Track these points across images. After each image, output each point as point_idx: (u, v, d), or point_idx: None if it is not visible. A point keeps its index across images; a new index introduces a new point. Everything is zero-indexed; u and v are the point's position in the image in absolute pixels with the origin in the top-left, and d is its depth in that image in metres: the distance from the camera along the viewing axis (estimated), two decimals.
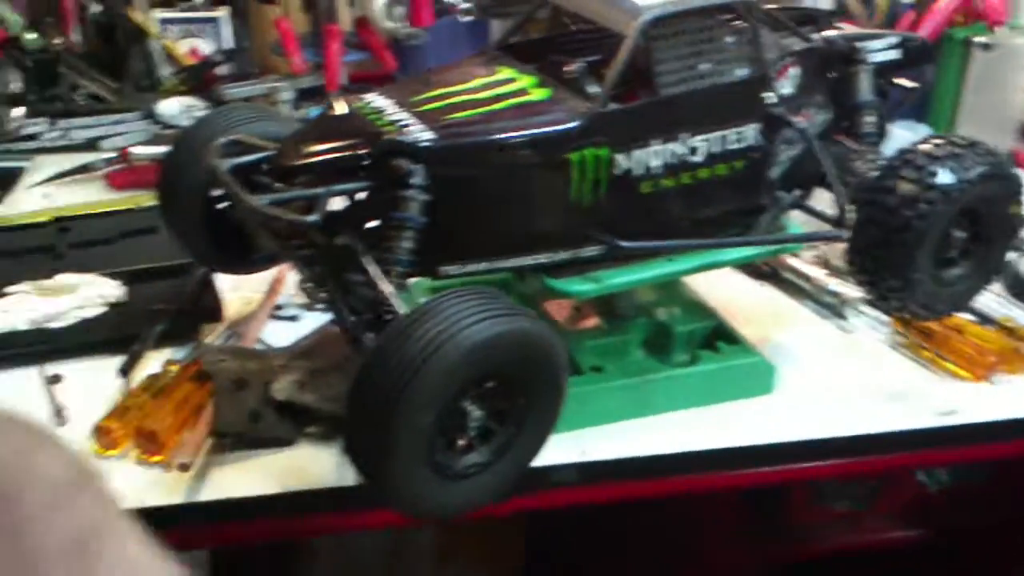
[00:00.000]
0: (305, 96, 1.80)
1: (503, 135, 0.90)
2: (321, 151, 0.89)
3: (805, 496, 1.84)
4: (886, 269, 1.01)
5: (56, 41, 1.79)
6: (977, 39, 1.66)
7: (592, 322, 1.15)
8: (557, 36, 1.09)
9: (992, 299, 1.30)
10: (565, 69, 0.98)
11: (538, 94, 0.96)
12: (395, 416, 0.74)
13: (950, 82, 1.72)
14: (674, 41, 0.96)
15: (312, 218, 0.84)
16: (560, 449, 1.01)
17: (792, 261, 1.35)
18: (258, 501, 0.95)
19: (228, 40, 1.82)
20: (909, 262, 0.99)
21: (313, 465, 0.98)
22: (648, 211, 0.98)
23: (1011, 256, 1.36)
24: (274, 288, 1.26)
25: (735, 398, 1.10)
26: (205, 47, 1.81)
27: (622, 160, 0.94)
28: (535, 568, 1.90)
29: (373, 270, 0.86)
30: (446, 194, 0.88)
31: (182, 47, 1.81)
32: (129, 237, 1.38)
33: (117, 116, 1.71)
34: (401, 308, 0.82)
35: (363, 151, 0.88)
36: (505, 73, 1.00)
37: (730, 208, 1.03)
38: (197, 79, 1.73)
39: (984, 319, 1.25)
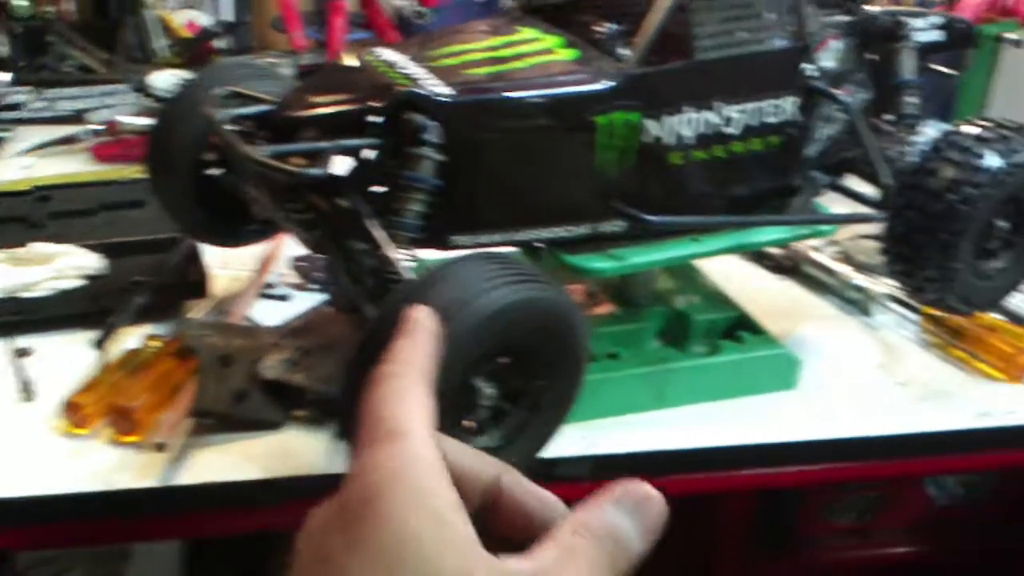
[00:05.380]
0: (305, 74, 1.73)
1: (527, 92, 0.82)
2: (328, 103, 0.81)
3: (814, 508, 1.79)
4: (925, 258, 0.93)
5: (47, 9, 1.71)
6: (1007, 35, 1.60)
7: (605, 309, 1.08)
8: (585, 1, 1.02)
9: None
10: (595, 30, 0.91)
11: (565, 54, 0.89)
12: None
13: (979, 80, 1.65)
14: (713, 3, 0.89)
15: (318, 171, 0.76)
16: (568, 440, 0.93)
17: (814, 255, 1.29)
18: (240, 487, 0.87)
19: (228, 13, 1.75)
20: (951, 251, 0.92)
21: (301, 450, 0.90)
22: (677, 185, 0.91)
23: None
24: (265, 265, 1.19)
25: (756, 392, 1.02)
26: (203, 20, 1.73)
27: (652, 127, 0.87)
28: None
29: (378, 234, 0.79)
30: (462, 155, 0.81)
31: (179, 19, 1.73)
32: (112, 210, 1.30)
33: (106, 87, 1.63)
34: (408, 275, 0.74)
35: (374, 104, 0.80)
36: (528, 33, 0.93)
37: (764, 186, 0.96)
38: (192, 52, 1.66)
39: (1017, 319, 1.18)
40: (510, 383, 0.74)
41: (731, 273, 1.25)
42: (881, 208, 0.94)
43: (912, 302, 1.17)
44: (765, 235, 0.97)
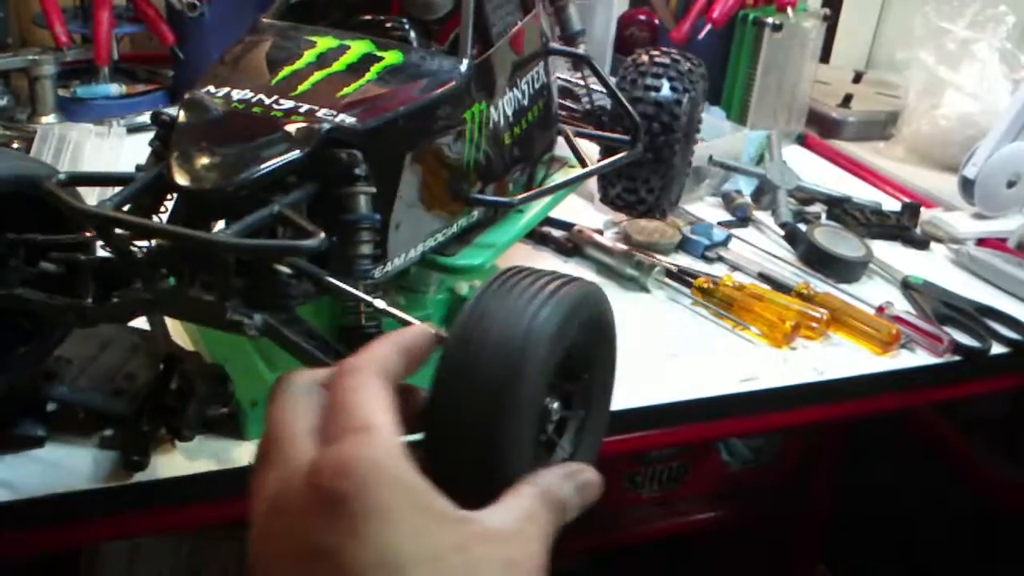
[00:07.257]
0: (70, 72, 1.64)
1: (417, 103, 0.77)
2: (243, 162, 0.66)
3: (618, 483, 1.85)
4: (649, 172, 1.21)
5: None
6: (768, 20, 1.69)
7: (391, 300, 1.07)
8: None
9: (788, 269, 1.31)
10: (390, 29, 0.89)
11: (392, 57, 0.82)
12: None
13: (743, 63, 1.74)
14: None
15: (314, 241, 0.61)
16: None
17: (596, 237, 1.32)
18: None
19: None
20: (671, 158, 1.20)
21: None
22: (508, 164, 0.95)
23: (803, 227, 1.39)
24: None
25: None
26: None
27: (493, 113, 0.90)
28: None
29: (351, 292, 0.66)
30: (382, 182, 0.72)
31: None
32: None
33: None
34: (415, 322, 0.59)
35: (301, 149, 0.68)
36: (328, 42, 0.82)
37: (543, 148, 1.06)
38: None
39: (782, 288, 1.25)
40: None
41: (517, 257, 1.27)
42: (633, 144, 1.08)
43: (685, 277, 1.23)
44: (562, 193, 1.09)
